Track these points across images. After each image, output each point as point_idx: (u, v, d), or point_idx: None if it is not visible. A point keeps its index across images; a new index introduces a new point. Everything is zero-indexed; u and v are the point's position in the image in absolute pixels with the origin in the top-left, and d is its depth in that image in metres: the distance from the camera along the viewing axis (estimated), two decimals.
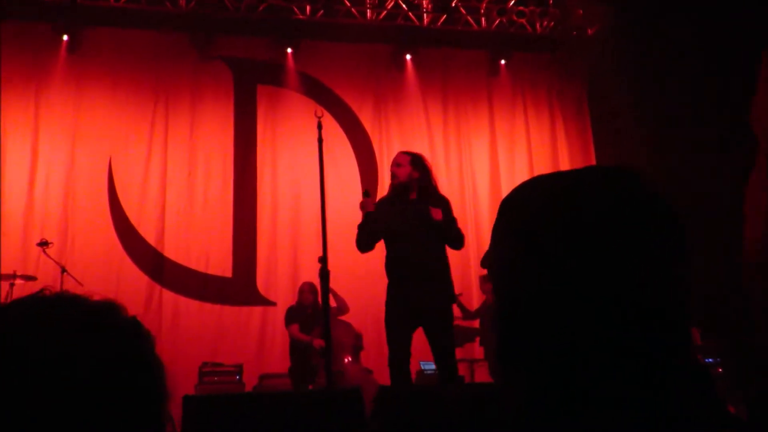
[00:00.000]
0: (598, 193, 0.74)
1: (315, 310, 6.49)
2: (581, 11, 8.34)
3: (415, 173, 4.32)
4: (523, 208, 0.77)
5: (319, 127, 4.75)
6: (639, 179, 0.76)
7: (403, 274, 4.20)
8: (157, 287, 7.29)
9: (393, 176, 4.39)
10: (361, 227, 4.39)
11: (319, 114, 4.84)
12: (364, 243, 4.44)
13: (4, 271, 5.93)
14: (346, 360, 6.16)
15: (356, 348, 6.41)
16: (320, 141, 4.80)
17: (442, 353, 4.17)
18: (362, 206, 4.40)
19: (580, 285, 0.70)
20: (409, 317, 4.14)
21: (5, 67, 7.40)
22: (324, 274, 4.39)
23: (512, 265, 0.76)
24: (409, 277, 4.16)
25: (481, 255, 0.88)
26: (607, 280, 0.70)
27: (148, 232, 7.44)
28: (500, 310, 0.77)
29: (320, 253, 6.55)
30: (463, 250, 4.90)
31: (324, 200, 4.56)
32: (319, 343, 6.00)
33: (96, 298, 0.78)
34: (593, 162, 8.62)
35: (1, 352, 0.70)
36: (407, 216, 4.23)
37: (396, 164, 4.38)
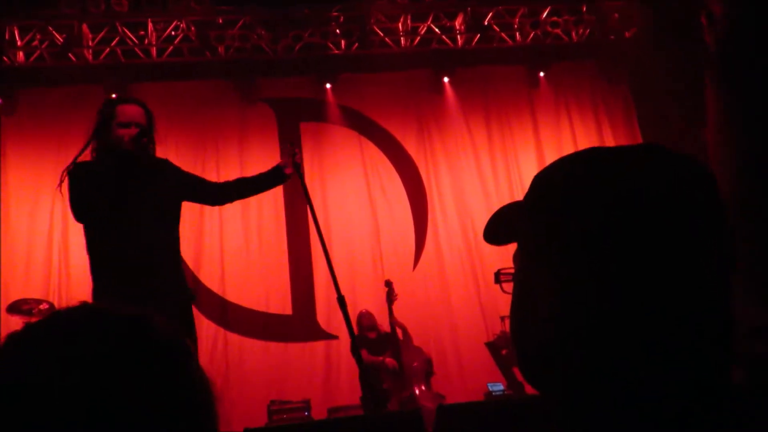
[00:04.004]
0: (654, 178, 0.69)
1: (379, 335, 6.53)
2: (617, 15, 8.24)
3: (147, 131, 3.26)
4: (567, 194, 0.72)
5: (292, 154, 3.87)
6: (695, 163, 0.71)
7: (127, 268, 3.18)
8: (222, 331, 7.40)
9: (124, 139, 3.19)
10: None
11: (292, 144, 4.12)
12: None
13: None
14: (419, 386, 6.15)
15: (428, 373, 6.39)
16: (299, 169, 3.95)
17: None
18: None
19: (629, 286, 0.66)
20: None
21: (64, 129, 7.76)
22: (340, 301, 3.75)
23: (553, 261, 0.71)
24: (135, 271, 3.16)
25: None
26: (660, 281, 0.66)
27: (208, 277, 7.58)
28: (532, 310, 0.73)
29: (376, 282, 6.61)
30: None
31: (321, 233, 4.08)
32: (391, 362, 6.02)
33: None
34: None
35: (42, 362, 0.69)
36: (142, 192, 3.23)
37: (134, 123, 3.22)
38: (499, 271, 0.91)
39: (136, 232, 3.18)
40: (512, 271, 0.80)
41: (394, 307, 6.43)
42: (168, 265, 3.25)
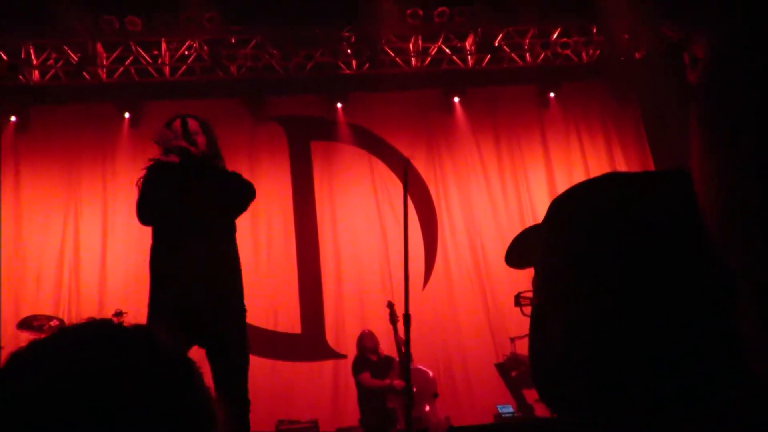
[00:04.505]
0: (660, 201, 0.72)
1: (380, 356, 6.46)
2: (627, 36, 8.27)
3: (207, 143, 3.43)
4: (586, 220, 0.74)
5: (405, 173, 4.30)
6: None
7: (173, 274, 3.18)
8: None
9: (186, 149, 3.32)
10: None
11: (405, 157, 4.53)
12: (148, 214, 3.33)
13: None
14: (426, 407, 6.10)
15: (434, 394, 6.35)
16: (405, 186, 4.33)
17: (226, 386, 3.03)
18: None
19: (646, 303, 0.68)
20: (180, 330, 2.97)
21: (76, 147, 7.85)
22: (406, 319, 4.00)
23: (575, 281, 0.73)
24: (180, 285, 3.15)
25: None
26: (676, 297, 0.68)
27: None
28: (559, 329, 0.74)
29: (385, 301, 6.57)
30: None
31: (407, 246, 4.25)
32: (400, 384, 5.98)
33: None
34: None
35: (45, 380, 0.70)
36: (193, 198, 3.27)
37: (194, 131, 3.41)
38: (519, 294, 0.92)
39: (182, 245, 3.19)
40: (531, 294, 0.82)
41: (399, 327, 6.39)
42: (216, 278, 3.19)
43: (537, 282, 0.80)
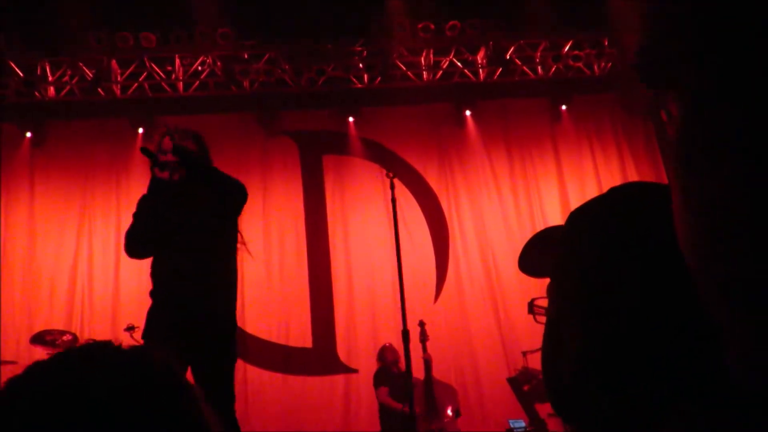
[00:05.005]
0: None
1: (400, 370, 6.46)
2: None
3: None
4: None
5: (392, 186, 4.48)
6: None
7: (166, 291, 3.17)
8: (241, 363, 7.39)
9: (167, 165, 3.24)
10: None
11: (390, 174, 4.55)
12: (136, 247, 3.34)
13: None
14: (446, 421, 6.09)
15: (457, 412, 6.33)
16: (393, 201, 4.47)
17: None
18: None
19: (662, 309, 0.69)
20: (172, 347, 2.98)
21: (91, 162, 7.92)
22: (405, 336, 4.03)
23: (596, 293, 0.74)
24: (173, 295, 3.14)
25: None
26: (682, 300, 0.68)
27: None
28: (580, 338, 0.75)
29: (397, 315, 6.54)
30: None
31: (400, 261, 4.31)
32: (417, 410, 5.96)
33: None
34: None
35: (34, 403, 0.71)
36: (181, 213, 3.23)
37: (164, 152, 3.32)
38: (532, 300, 0.93)
39: (168, 261, 3.20)
40: (545, 303, 0.84)
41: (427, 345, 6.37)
42: (199, 294, 3.11)
43: (552, 293, 0.81)
